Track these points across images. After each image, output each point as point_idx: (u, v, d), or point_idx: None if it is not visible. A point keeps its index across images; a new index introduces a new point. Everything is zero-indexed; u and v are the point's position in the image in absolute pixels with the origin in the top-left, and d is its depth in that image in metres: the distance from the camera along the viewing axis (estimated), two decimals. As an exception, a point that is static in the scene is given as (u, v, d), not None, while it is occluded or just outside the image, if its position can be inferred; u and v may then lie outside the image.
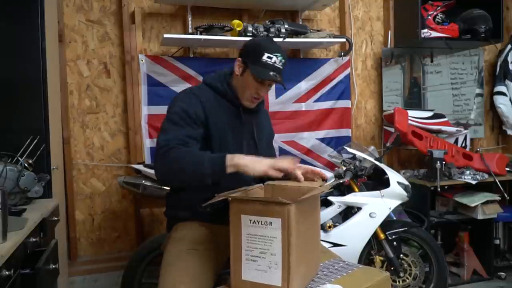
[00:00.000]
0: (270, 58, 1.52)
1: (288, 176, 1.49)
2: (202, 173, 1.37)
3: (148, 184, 2.37)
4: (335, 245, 2.37)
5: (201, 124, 1.52)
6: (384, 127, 3.34)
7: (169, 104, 1.60)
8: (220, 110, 1.58)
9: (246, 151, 1.57)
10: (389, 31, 3.33)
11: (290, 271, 1.17)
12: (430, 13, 3.10)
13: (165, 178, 1.47)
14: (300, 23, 3.05)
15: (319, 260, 1.43)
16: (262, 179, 1.61)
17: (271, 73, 1.51)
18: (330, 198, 2.48)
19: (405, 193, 2.51)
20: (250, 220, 1.22)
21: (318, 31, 2.91)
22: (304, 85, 3.08)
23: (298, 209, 1.19)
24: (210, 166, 1.36)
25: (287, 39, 2.74)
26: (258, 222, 1.20)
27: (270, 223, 1.18)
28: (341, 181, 2.50)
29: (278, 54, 1.53)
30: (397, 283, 2.53)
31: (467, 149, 3.28)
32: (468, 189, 2.99)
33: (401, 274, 2.51)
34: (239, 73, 1.58)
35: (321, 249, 1.49)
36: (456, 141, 3.26)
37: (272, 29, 2.72)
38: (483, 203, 2.89)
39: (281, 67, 1.54)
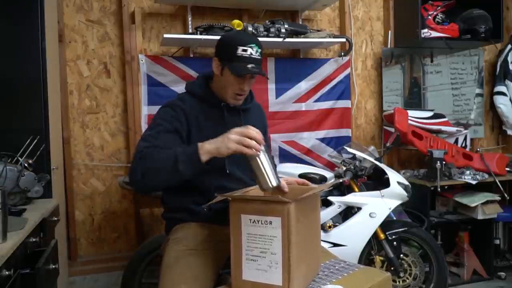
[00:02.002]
0: (245, 50, 1.45)
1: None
2: (177, 168, 1.30)
3: (148, 184, 2.36)
4: (335, 245, 2.37)
5: (185, 135, 1.49)
6: (384, 127, 3.34)
7: (154, 116, 1.55)
8: (205, 117, 1.54)
9: (234, 156, 1.52)
10: (389, 31, 3.33)
11: (291, 270, 1.17)
12: (430, 13, 3.10)
13: (142, 183, 1.36)
14: (300, 23, 3.05)
15: (320, 259, 1.42)
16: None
17: (249, 66, 1.45)
18: (330, 198, 2.48)
19: (405, 193, 2.51)
20: (250, 220, 1.22)
21: (318, 31, 2.91)
22: (304, 85, 3.08)
23: (298, 208, 1.19)
24: (184, 159, 1.29)
25: (287, 39, 2.74)
26: (258, 222, 1.20)
27: (270, 222, 1.19)
28: (341, 181, 2.50)
29: (253, 45, 1.46)
30: (397, 283, 2.53)
31: (467, 149, 3.28)
32: (468, 189, 2.99)
33: (401, 274, 2.51)
34: (219, 72, 1.53)
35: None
36: (456, 141, 3.26)
37: (272, 29, 2.72)
38: (483, 203, 2.88)
39: (258, 57, 1.48)
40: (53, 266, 1.56)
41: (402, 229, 2.52)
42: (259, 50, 1.48)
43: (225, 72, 1.51)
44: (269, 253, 1.20)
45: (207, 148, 1.30)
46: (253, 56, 1.46)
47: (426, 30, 3.06)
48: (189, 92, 1.61)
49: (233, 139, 1.27)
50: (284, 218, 1.16)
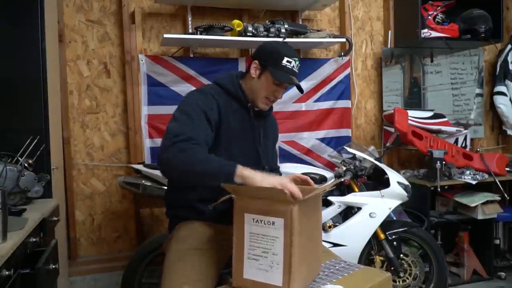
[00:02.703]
0: (289, 62, 1.56)
1: None
2: (210, 178, 1.33)
3: (148, 184, 2.36)
4: (335, 245, 2.37)
5: (214, 125, 1.49)
6: (384, 127, 3.34)
7: (183, 99, 1.54)
8: (232, 113, 1.57)
9: (250, 156, 1.59)
10: (389, 31, 3.33)
11: (292, 271, 1.17)
12: (430, 13, 3.10)
13: (172, 169, 1.38)
14: (300, 23, 3.05)
15: (320, 260, 1.42)
16: None
17: (290, 76, 1.56)
18: (330, 198, 2.48)
19: (405, 193, 2.51)
20: (253, 219, 1.22)
21: (318, 31, 2.91)
22: (304, 85, 3.07)
23: (301, 209, 1.19)
24: (219, 172, 1.32)
25: (287, 39, 2.74)
26: (261, 221, 1.21)
27: (273, 223, 1.19)
28: (342, 180, 2.49)
29: (296, 59, 1.58)
30: (397, 283, 2.53)
31: (467, 149, 3.28)
32: (468, 189, 2.99)
33: (401, 274, 2.51)
34: (256, 75, 1.58)
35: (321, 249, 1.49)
36: (456, 141, 3.26)
37: (272, 29, 2.72)
38: (483, 203, 2.89)
39: (297, 71, 1.59)
40: (53, 266, 1.56)
41: (402, 229, 2.52)
42: (299, 65, 1.59)
43: (264, 76, 1.57)
44: (271, 253, 1.20)
45: (245, 174, 1.29)
46: (294, 68, 1.57)
47: (426, 30, 3.06)
48: (220, 86, 1.62)
49: (276, 181, 1.26)
50: (287, 219, 1.16)
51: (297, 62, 1.58)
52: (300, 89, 1.64)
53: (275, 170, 1.79)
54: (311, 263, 1.31)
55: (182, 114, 1.45)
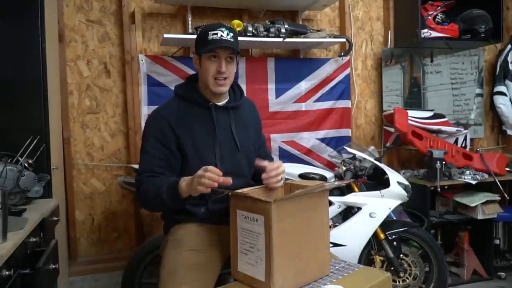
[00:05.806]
0: (215, 34, 1.49)
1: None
2: (164, 203, 1.45)
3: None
4: (335, 245, 2.37)
5: (172, 144, 1.52)
6: (384, 127, 3.34)
7: (144, 127, 1.64)
8: (191, 119, 1.55)
9: (224, 152, 1.56)
10: (389, 31, 3.33)
11: (273, 267, 1.19)
12: (430, 13, 3.10)
13: (146, 208, 1.61)
14: (300, 23, 3.05)
15: (325, 261, 1.39)
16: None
17: (218, 42, 1.49)
18: (330, 198, 2.48)
19: (405, 193, 2.51)
20: (243, 215, 1.27)
21: (318, 31, 2.91)
22: (304, 85, 3.08)
23: (283, 207, 1.21)
24: (167, 196, 1.42)
25: (287, 39, 2.74)
26: (248, 218, 1.26)
27: (256, 220, 1.23)
28: (345, 183, 2.48)
29: (223, 29, 1.50)
30: (397, 283, 2.53)
31: (467, 149, 3.28)
32: (468, 189, 2.99)
33: (401, 274, 2.51)
34: (199, 65, 1.58)
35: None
36: (456, 141, 3.26)
37: (272, 29, 2.72)
38: (483, 203, 2.89)
39: (230, 39, 1.50)
40: (53, 266, 1.56)
41: (402, 229, 2.52)
42: (231, 34, 1.51)
43: (202, 61, 1.56)
44: (256, 249, 1.24)
45: (183, 190, 1.40)
46: (223, 37, 1.49)
47: (426, 30, 3.06)
48: (177, 95, 1.63)
49: (196, 184, 1.34)
50: (266, 216, 1.19)
51: (226, 32, 1.49)
52: (235, 50, 1.52)
53: (267, 157, 1.75)
54: (307, 263, 1.30)
55: (141, 153, 1.59)
